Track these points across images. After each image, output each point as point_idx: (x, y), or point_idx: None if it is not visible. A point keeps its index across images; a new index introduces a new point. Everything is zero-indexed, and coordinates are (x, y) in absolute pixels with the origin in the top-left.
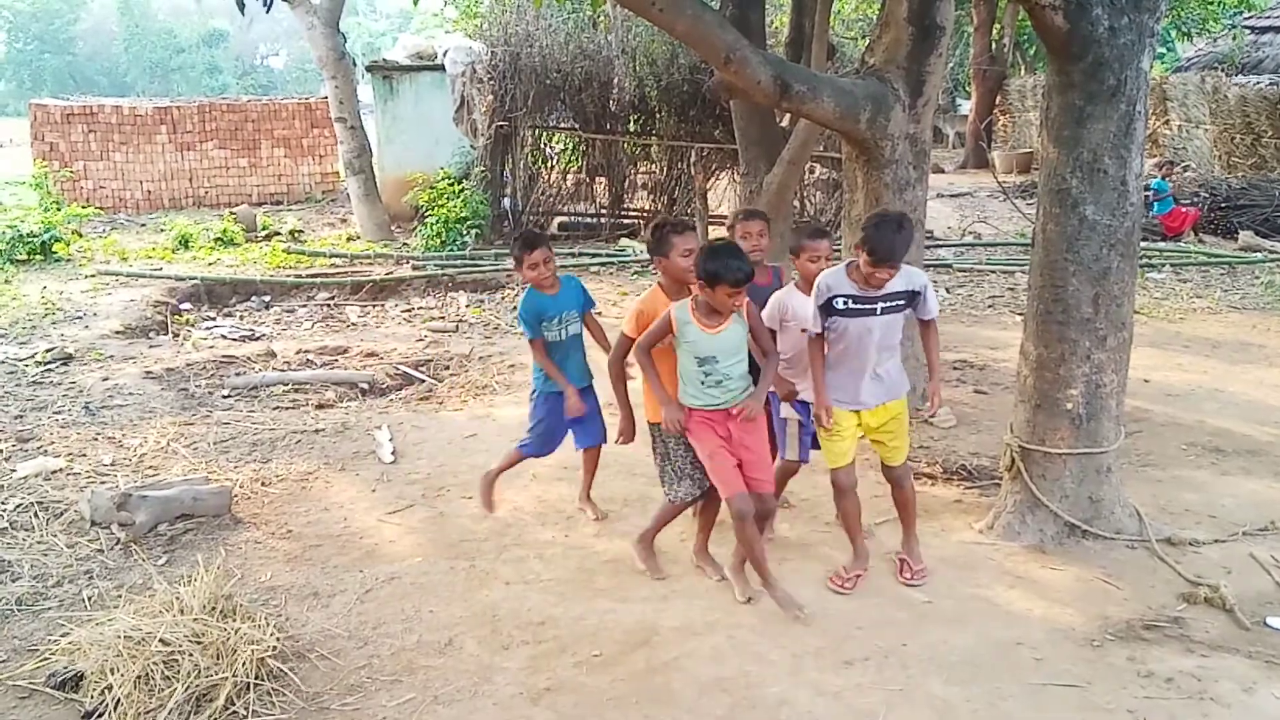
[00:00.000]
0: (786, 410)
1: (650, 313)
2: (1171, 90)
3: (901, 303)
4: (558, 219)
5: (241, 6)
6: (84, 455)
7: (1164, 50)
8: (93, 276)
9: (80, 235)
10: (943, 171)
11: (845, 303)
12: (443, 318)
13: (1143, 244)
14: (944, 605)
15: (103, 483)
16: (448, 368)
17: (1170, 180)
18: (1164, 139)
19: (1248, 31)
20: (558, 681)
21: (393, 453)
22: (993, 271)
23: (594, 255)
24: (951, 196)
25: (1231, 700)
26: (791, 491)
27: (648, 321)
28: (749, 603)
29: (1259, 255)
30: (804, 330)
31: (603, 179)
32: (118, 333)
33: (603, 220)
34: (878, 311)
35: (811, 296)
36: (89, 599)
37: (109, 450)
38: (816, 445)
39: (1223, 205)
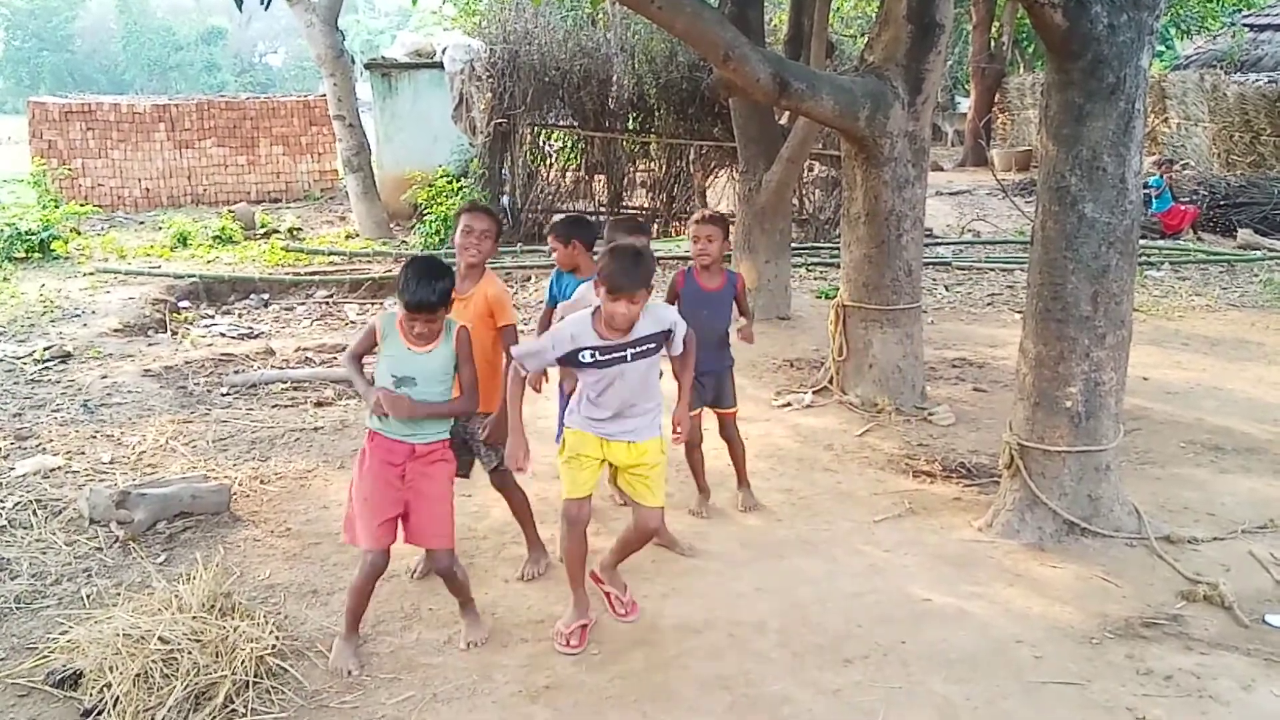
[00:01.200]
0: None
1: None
2: (1170, 88)
3: (653, 345)
4: (556, 217)
5: (239, 3)
6: (82, 453)
7: (1163, 48)
8: (91, 274)
9: (78, 233)
10: (941, 169)
11: (592, 355)
12: None
13: (1142, 242)
14: (943, 603)
15: (101, 480)
16: None
17: (1165, 177)
18: (1163, 137)
19: (1247, 29)
20: (557, 679)
21: None
22: (991, 269)
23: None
24: (950, 194)
25: (1230, 698)
26: (788, 489)
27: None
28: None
29: (1258, 253)
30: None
31: (602, 177)
32: (116, 330)
33: (601, 218)
34: (629, 358)
35: (551, 339)
36: (88, 597)
37: (107, 448)
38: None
39: (1221, 203)
